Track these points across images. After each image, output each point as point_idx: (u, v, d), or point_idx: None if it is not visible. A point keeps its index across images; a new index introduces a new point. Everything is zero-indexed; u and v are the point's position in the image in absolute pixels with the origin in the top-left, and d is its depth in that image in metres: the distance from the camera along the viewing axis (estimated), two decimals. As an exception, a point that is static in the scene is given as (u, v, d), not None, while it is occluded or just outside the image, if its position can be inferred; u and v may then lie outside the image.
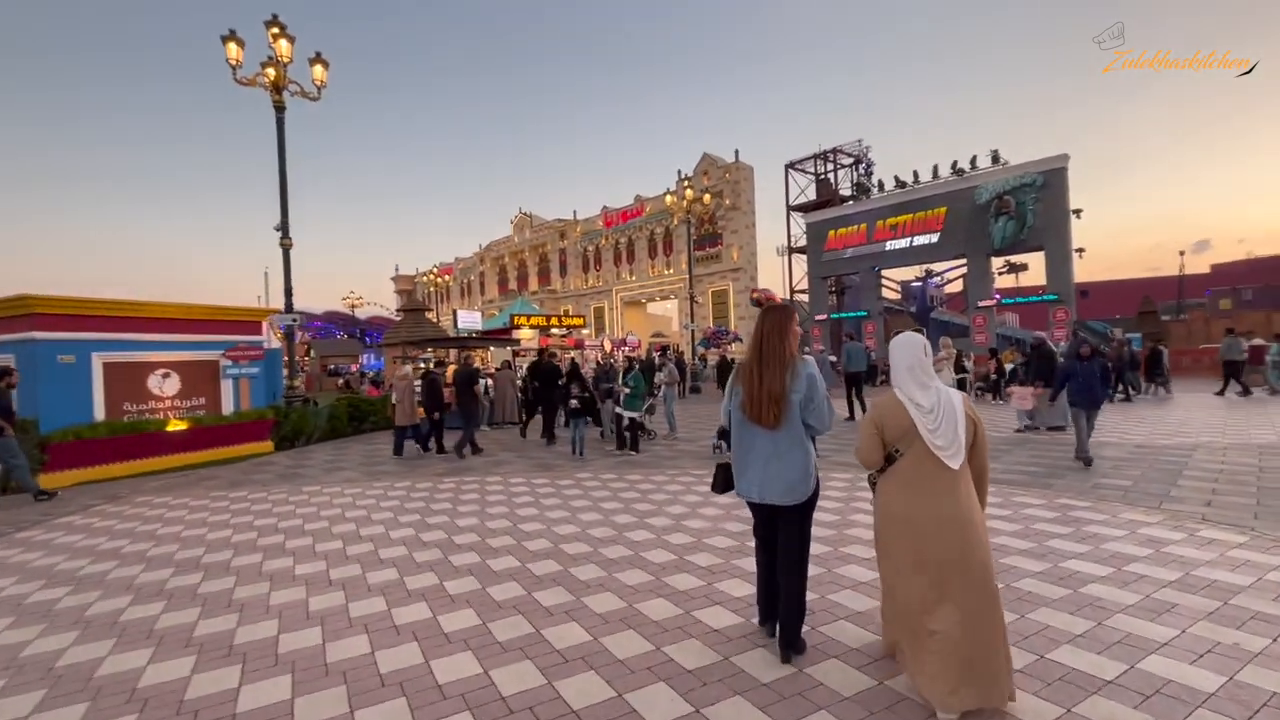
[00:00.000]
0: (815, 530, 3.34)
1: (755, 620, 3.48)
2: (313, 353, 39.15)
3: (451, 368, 12.99)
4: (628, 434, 9.41)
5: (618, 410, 9.51)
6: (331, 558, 5.07)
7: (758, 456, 2.98)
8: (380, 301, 57.50)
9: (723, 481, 3.23)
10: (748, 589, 4.00)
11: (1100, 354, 14.97)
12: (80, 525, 6.57)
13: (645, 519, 5.86)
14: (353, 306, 45.68)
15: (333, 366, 39.13)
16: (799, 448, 2.92)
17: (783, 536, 3.03)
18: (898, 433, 2.62)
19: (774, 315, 3.01)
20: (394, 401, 10.34)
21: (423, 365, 14.52)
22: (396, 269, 67.75)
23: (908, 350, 2.71)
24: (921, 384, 2.64)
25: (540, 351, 18.02)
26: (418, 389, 10.49)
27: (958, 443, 2.53)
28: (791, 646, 3.04)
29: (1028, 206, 24.63)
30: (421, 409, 10.34)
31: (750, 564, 4.45)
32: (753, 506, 3.15)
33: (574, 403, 9.38)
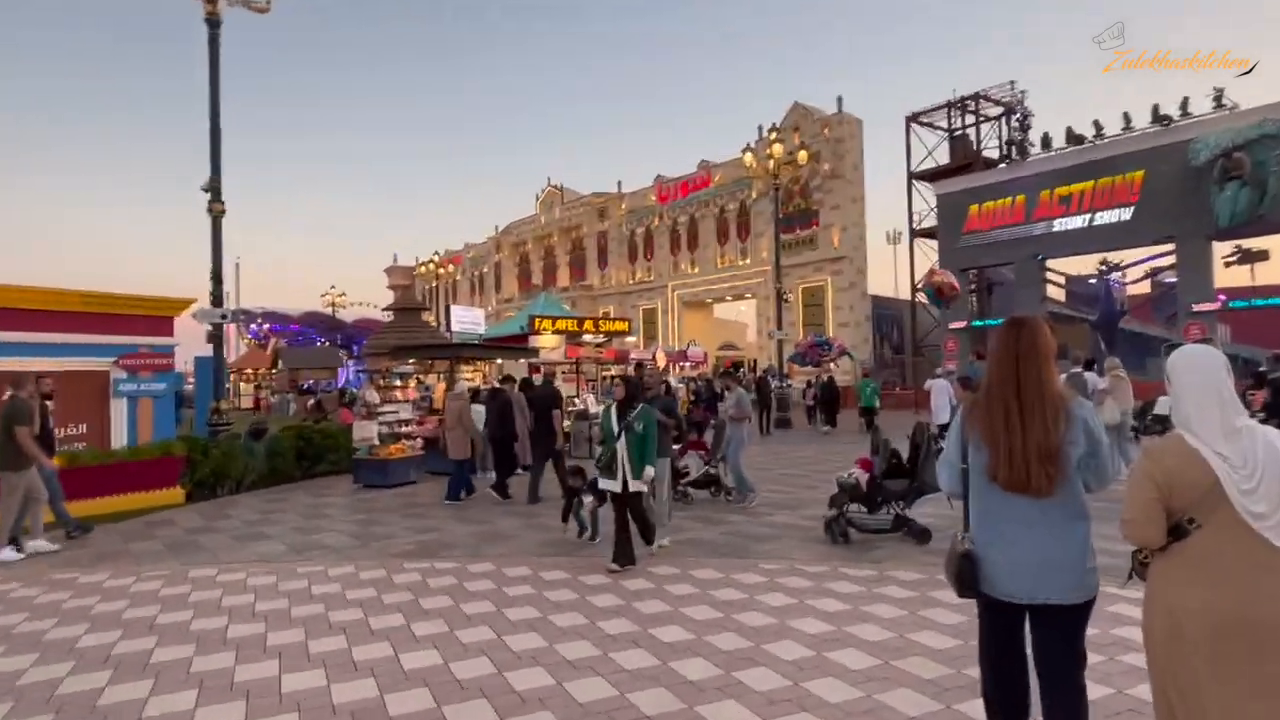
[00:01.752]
0: None
1: None
2: (280, 364, 39.01)
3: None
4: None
5: (603, 484, 6.85)
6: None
7: (1020, 538, 2.65)
8: (373, 300, 57.69)
9: (971, 578, 2.72)
10: None
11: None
12: None
13: (738, 672, 4.07)
14: (333, 305, 45.65)
15: (307, 383, 38.92)
16: (1079, 521, 2.66)
17: (1048, 650, 2.68)
18: (1192, 495, 2.23)
19: (1030, 332, 2.73)
20: (445, 430, 10.78)
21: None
22: (395, 258, 68.32)
23: (1203, 372, 2.34)
24: (1229, 426, 2.24)
25: (638, 366, 17.12)
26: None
27: None
28: None
29: (1269, 167, 21.96)
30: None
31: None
32: (996, 610, 2.72)
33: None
